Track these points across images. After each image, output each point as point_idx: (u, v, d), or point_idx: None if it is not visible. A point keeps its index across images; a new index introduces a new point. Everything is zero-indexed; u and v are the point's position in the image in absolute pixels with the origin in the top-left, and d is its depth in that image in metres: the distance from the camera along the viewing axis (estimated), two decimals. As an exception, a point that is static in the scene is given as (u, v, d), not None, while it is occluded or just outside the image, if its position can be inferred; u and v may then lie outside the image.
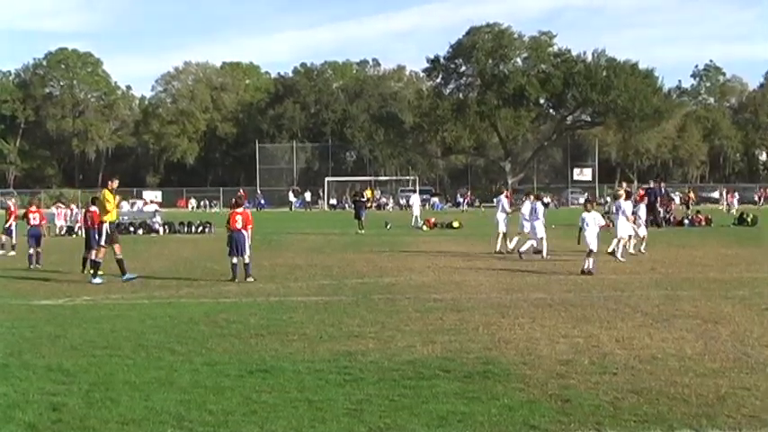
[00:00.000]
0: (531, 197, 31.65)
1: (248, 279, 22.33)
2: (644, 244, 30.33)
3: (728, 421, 8.89)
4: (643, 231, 30.83)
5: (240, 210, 23.73)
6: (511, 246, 30.59)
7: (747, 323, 14.81)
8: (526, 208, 30.77)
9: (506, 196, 34.02)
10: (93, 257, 23.12)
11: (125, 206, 78.26)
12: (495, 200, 35.85)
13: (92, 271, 22.85)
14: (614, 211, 29.44)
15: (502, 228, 31.60)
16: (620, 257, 27.15)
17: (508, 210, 32.30)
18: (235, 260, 22.84)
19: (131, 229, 46.90)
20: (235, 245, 22.91)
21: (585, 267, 23.52)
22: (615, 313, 16.19)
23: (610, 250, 27.03)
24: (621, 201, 29.42)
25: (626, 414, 9.15)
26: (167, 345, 13.24)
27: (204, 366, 11.66)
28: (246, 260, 22.79)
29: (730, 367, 11.33)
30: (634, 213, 29.80)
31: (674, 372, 11.07)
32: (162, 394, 10.13)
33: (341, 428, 8.80)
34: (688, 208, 63.02)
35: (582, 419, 8.98)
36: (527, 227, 29.89)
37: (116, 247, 22.94)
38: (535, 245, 29.41)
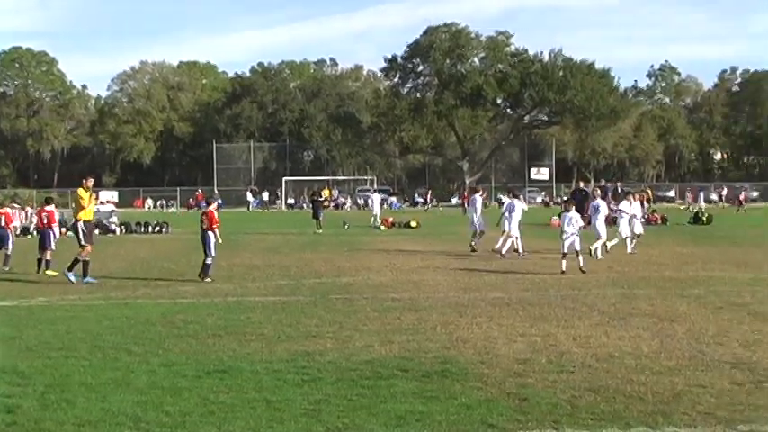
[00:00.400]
0: (510, 194, 32.15)
1: (206, 279, 22.27)
2: (633, 242, 30.49)
3: (684, 418, 8.96)
4: (639, 229, 31.22)
5: (208, 209, 23.75)
6: (497, 246, 30.47)
7: (703, 321, 14.94)
8: (504, 206, 31.28)
9: (481, 195, 34.22)
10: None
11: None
12: (470, 199, 36.08)
13: (68, 268, 22.57)
14: (592, 211, 29.49)
15: (480, 227, 31.74)
16: (599, 256, 27.46)
17: (478, 208, 32.40)
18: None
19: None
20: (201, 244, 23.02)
21: (581, 266, 23.54)
22: (572, 312, 16.28)
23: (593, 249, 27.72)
24: (599, 200, 29.95)
25: (583, 412, 9.20)
26: (124, 346, 13.17)
27: (161, 367, 11.60)
28: (208, 261, 22.72)
29: (686, 365, 11.43)
30: (618, 211, 30.45)
31: (630, 370, 11.15)
32: (118, 395, 10.07)
33: (299, 428, 8.79)
34: (642, 207, 63.37)
35: (539, 418, 9.01)
36: (505, 224, 29.99)
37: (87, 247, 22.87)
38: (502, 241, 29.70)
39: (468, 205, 33.22)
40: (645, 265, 25.82)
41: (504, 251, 29.20)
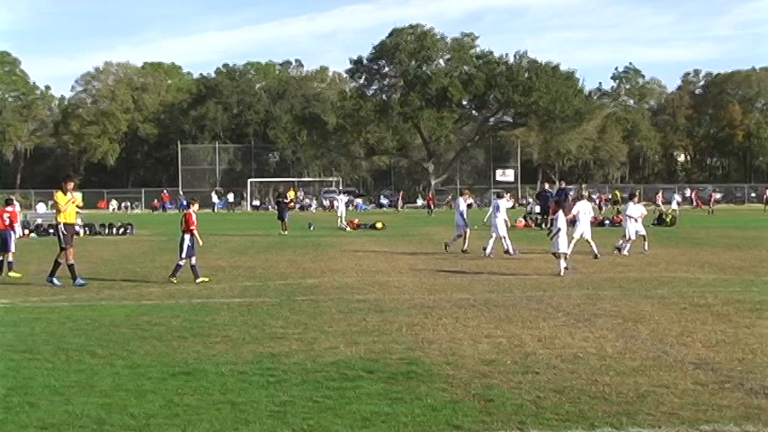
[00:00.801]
0: (495, 195, 32.84)
1: (171, 279, 22.23)
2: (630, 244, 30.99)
3: (648, 419, 9.00)
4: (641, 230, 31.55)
5: (187, 211, 23.63)
6: (505, 248, 30.65)
7: (667, 322, 15.02)
8: (492, 207, 32.23)
9: (465, 199, 34.58)
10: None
11: (41, 208, 77.24)
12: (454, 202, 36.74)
13: (69, 274, 22.13)
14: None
15: (463, 229, 31.98)
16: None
17: (462, 209, 32.58)
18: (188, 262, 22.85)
19: (51, 230, 46.15)
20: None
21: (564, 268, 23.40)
22: (537, 313, 16.32)
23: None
24: (584, 202, 30.51)
25: (548, 413, 9.22)
26: (88, 348, 13.07)
27: (126, 369, 11.53)
28: (180, 262, 22.68)
29: (650, 365, 11.48)
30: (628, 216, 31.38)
31: (595, 370, 11.19)
32: (82, 398, 10.00)
33: (264, 430, 8.75)
34: (600, 209, 63.89)
35: (505, 419, 9.03)
36: (494, 226, 30.44)
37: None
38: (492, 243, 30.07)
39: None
40: (609, 266, 25.94)
41: (510, 251, 29.91)
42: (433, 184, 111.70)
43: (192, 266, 22.69)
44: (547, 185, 48.34)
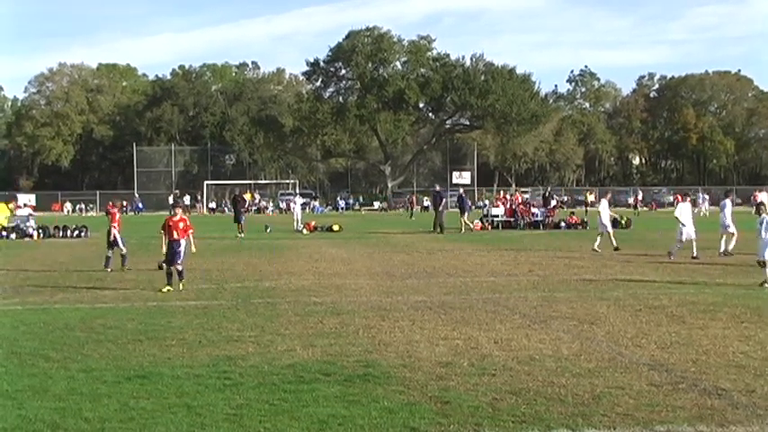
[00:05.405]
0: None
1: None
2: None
3: (603, 420, 9.05)
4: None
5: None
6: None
7: (622, 324, 15.12)
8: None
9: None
10: None
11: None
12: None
13: None
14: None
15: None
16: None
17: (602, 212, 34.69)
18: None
19: (3, 233, 45.67)
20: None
21: None
22: (494, 315, 16.36)
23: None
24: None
25: (504, 414, 9.25)
26: (41, 351, 12.96)
27: (80, 373, 11.44)
28: (179, 268, 21.67)
29: (605, 367, 11.54)
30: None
31: (551, 372, 11.24)
32: (36, 402, 9.91)
33: (220, 434, 8.73)
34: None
35: (461, 421, 9.04)
36: None
37: None
38: None
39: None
40: (565, 268, 26.07)
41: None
42: (390, 187, 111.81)
43: (179, 272, 21.73)
44: (437, 186, 51.61)
